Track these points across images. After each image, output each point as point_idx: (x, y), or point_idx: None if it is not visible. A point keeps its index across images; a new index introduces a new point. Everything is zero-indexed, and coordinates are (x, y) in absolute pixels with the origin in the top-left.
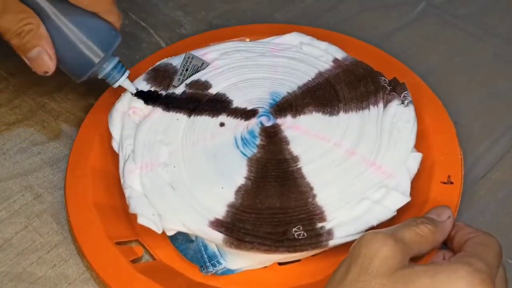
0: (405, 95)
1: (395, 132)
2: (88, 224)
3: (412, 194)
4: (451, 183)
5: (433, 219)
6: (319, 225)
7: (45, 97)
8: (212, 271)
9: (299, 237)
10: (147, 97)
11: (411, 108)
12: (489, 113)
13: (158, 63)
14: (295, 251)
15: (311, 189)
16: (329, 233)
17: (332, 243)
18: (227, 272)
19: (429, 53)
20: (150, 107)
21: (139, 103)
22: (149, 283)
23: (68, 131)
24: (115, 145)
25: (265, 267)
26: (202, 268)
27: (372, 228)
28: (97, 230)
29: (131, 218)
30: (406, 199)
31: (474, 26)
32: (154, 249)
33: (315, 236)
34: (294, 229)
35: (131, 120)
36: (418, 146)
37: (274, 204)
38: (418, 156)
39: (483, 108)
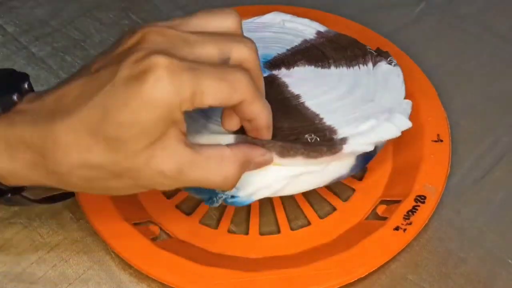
0: (391, 59)
1: (387, 83)
2: (103, 209)
3: (406, 154)
4: (441, 141)
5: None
6: (331, 135)
7: None
8: (220, 200)
9: (313, 141)
10: None
11: (398, 67)
12: (489, 113)
13: None
14: (312, 150)
15: (317, 115)
16: (342, 140)
17: (346, 147)
18: (237, 202)
19: (429, 53)
20: None
21: None
22: (174, 258)
23: None
24: None
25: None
26: (210, 200)
27: (377, 190)
28: (112, 214)
29: (140, 200)
30: (408, 123)
31: (474, 26)
32: (168, 227)
33: (328, 140)
34: (306, 135)
35: None
36: None
37: (282, 125)
38: (409, 102)
39: (483, 108)
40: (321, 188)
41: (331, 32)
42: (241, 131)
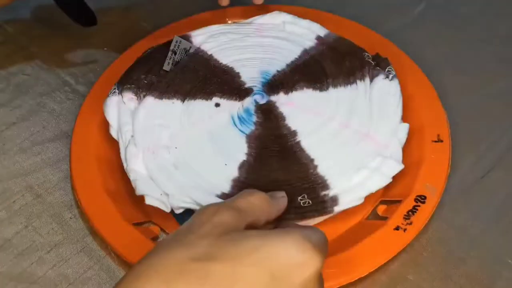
0: (389, 69)
1: (383, 105)
2: (103, 210)
3: (407, 154)
4: (441, 141)
5: (267, 194)
6: (323, 193)
7: (45, 97)
8: None
9: (305, 205)
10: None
11: (396, 82)
12: (489, 113)
13: (144, 52)
14: (303, 218)
15: (312, 160)
16: (333, 199)
17: (337, 208)
18: None
19: (429, 53)
20: (143, 93)
21: (132, 91)
22: None
23: (68, 131)
24: (113, 132)
25: None
26: None
27: (378, 191)
28: (112, 214)
29: (141, 201)
30: (400, 166)
31: (474, 26)
32: (168, 228)
33: (320, 203)
34: (299, 198)
35: (126, 107)
36: (405, 111)
37: (278, 177)
38: (406, 126)
39: (483, 108)
40: None
41: (331, 36)
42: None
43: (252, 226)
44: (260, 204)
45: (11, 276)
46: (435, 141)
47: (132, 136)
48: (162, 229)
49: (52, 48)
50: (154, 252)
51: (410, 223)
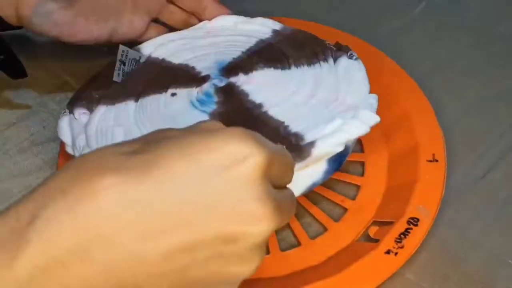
0: (351, 53)
1: (350, 79)
2: None
3: (401, 174)
4: (436, 161)
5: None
6: (297, 142)
7: (45, 97)
8: None
9: None
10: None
11: (359, 61)
12: (489, 113)
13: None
14: None
15: (282, 123)
16: (310, 144)
17: (315, 151)
18: None
19: (429, 53)
20: (95, 105)
21: (84, 106)
22: None
23: None
24: (69, 149)
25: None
26: None
27: (369, 211)
28: None
29: None
30: (376, 117)
31: (474, 26)
32: None
33: (296, 146)
34: None
35: (79, 121)
36: (400, 129)
37: None
38: (375, 96)
39: (483, 108)
40: (312, 207)
41: (287, 29)
42: None
43: None
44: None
45: None
46: (430, 161)
47: (86, 144)
48: None
49: (52, 48)
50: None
51: (402, 247)
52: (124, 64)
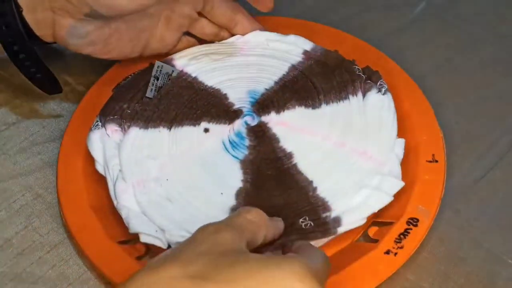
0: (381, 83)
1: (378, 121)
2: (87, 226)
3: (401, 173)
4: (436, 161)
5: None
6: (324, 214)
7: (45, 97)
8: None
9: (307, 227)
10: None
11: (389, 96)
12: (489, 113)
13: (124, 79)
14: (307, 239)
15: (310, 183)
16: (335, 220)
17: (340, 229)
18: None
19: (429, 53)
20: (127, 124)
21: (116, 122)
22: None
23: None
24: (99, 167)
25: None
26: None
27: (374, 214)
28: (97, 231)
29: None
30: (400, 183)
31: (474, 26)
32: (156, 247)
33: (322, 224)
34: (300, 220)
35: (111, 140)
36: (400, 129)
37: (277, 202)
38: (402, 142)
39: (483, 108)
40: None
41: (317, 49)
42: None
43: (250, 245)
44: (257, 220)
45: (11, 276)
46: (430, 161)
47: (120, 171)
48: (148, 248)
49: (52, 48)
50: (148, 267)
51: (402, 247)
52: (158, 79)
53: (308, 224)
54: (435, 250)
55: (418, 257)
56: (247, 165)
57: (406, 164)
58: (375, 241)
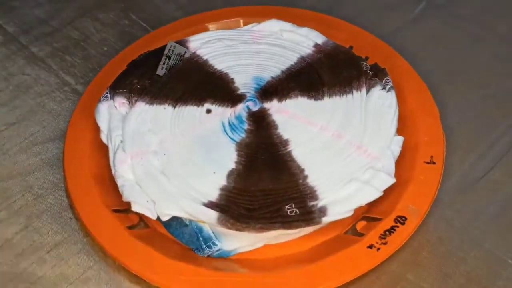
0: (387, 80)
1: (378, 117)
2: (86, 192)
3: (396, 173)
4: (434, 163)
5: None
6: (311, 203)
7: (45, 97)
8: (208, 253)
9: (292, 214)
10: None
11: (392, 94)
12: (489, 113)
13: (138, 57)
14: (290, 227)
15: (302, 170)
16: (321, 210)
17: (325, 219)
18: (223, 254)
19: (429, 53)
20: (135, 98)
21: (124, 96)
22: (144, 247)
23: None
24: (103, 137)
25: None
26: (197, 250)
27: (365, 209)
28: (94, 198)
29: None
30: (392, 180)
31: (474, 26)
32: (148, 218)
33: (307, 213)
34: (286, 207)
35: (117, 111)
36: (403, 128)
37: (266, 186)
38: (400, 140)
39: (483, 108)
40: None
41: (329, 43)
42: (224, 210)
43: None
44: None
45: (11, 276)
46: (427, 163)
47: (121, 142)
48: (141, 219)
49: (52, 48)
50: None
51: (385, 243)
52: (169, 59)
53: (294, 212)
54: (435, 250)
55: (418, 257)
56: (242, 148)
57: (404, 162)
58: (361, 235)
